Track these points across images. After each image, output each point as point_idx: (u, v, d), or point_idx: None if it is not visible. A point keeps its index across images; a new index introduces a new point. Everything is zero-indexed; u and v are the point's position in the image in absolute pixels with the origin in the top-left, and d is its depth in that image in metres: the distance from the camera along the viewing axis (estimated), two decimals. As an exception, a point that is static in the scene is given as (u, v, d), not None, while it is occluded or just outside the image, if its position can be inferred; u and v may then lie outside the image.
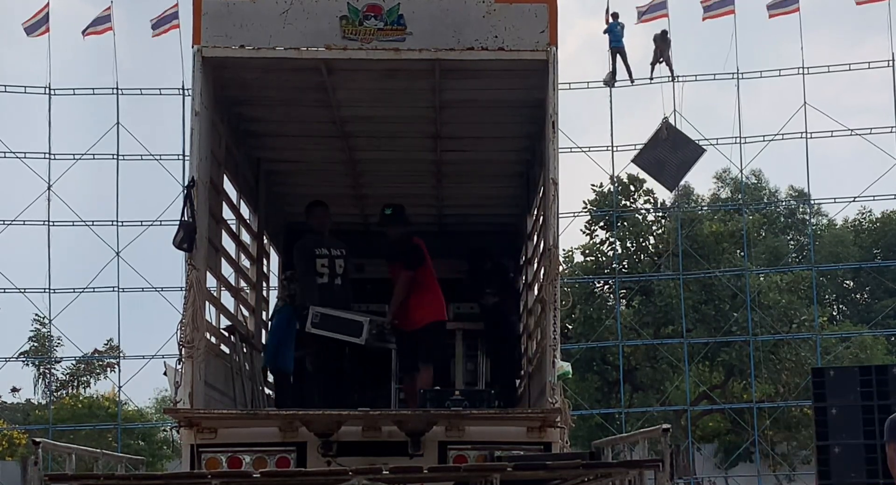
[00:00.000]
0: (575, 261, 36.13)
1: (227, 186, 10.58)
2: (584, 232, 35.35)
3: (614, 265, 33.33)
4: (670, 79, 29.09)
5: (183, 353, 8.68)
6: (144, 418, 43.04)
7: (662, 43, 28.96)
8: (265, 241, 12.30)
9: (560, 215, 9.20)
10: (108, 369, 38.84)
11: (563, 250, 34.59)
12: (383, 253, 10.50)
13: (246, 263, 11.67)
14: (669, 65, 29.06)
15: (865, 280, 49.39)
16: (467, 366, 12.32)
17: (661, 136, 28.43)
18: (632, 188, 35.03)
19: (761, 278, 35.01)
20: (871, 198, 31.51)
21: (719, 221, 35.27)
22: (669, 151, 28.41)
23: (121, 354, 32.05)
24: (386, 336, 10.00)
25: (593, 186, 35.29)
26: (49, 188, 28.55)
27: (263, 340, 12.02)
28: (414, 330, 10.07)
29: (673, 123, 28.57)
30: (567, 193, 36.26)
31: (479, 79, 9.78)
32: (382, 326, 9.85)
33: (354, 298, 10.62)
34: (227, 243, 10.85)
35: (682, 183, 31.83)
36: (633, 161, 28.95)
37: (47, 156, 28.77)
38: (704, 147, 28.77)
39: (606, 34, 29.01)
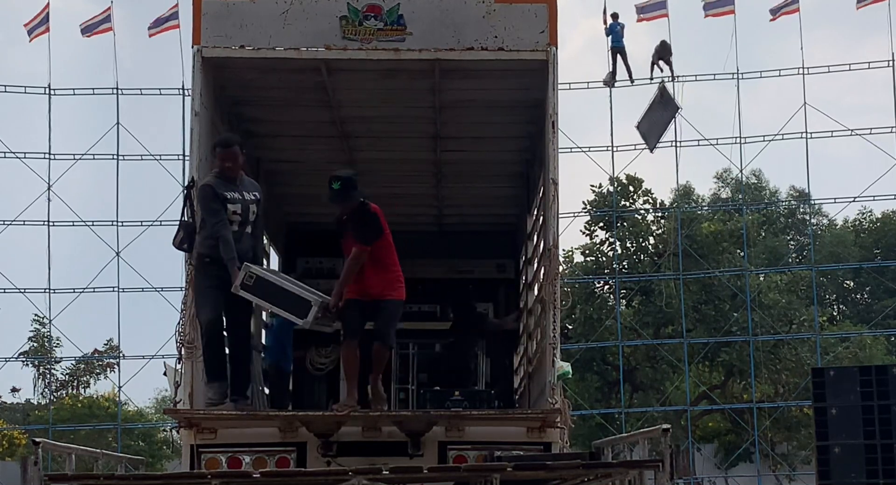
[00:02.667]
0: (575, 261, 36.15)
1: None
2: (583, 232, 35.40)
3: (614, 265, 33.34)
4: (670, 79, 29.11)
5: (183, 353, 8.69)
6: (144, 418, 43.03)
7: (663, 49, 28.96)
8: (265, 241, 12.29)
9: (560, 215, 9.21)
10: (108, 369, 38.85)
11: (563, 250, 34.60)
12: (335, 224, 8.92)
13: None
14: (669, 66, 29.07)
15: (865, 280, 49.34)
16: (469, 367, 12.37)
17: (656, 100, 28.53)
18: (631, 189, 35.03)
19: (761, 278, 35.01)
20: (872, 198, 31.53)
21: (718, 220, 35.27)
22: (660, 113, 28.55)
23: (121, 355, 32.04)
24: (328, 319, 8.67)
25: (592, 186, 35.33)
26: (49, 188, 28.54)
27: (263, 341, 12.03)
28: (371, 300, 8.62)
29: (666, 88, 28.62)
30: (567, 194, 36.26)
31: (479, 79, 9.78)
32: (327, 307, 8.49)
33: None
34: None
35: (683, 182, 31.84)
36: (636, 127, 28.88)
37: (47, 156, 28.77)
38: (680, 107, 28.73)
39: (607, 35, 29.00)
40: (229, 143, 8.81)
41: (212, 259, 8.52)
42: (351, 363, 8.70)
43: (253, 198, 8.76)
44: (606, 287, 35.01)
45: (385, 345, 8.64)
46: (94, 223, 29.26)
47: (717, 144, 29.80)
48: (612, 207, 33.56)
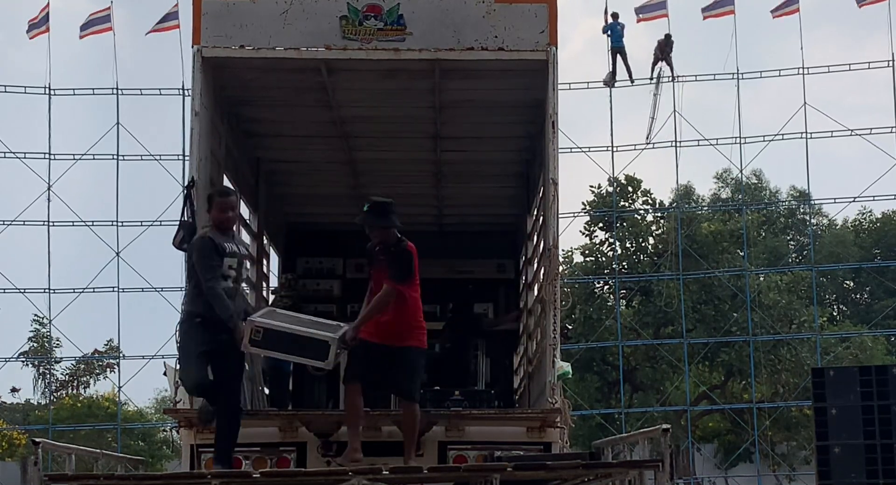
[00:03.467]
0: (575, 261, 36.16)
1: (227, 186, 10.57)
2: (583, 233, 35.41)
3: (614, 266, 33.35)
4: (670, 79, 29.12)
5: (183, 353, 8.67)
6: (144, 418, 43.01)
7: (666, 45, 29.02)
8: (265, 241, 12.30)
9: (560, 215, 9.22)
10: (108, 369, 38.83)
11: (563, 251, 34.61)
12: (366, 252, 8.49)
13: (246, 263, 11.67)
14: (670, 66, 29.11)
15: (865, 280, 49.30)
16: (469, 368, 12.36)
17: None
18: (630, 189, 35.04)
19: (761, 278, 34.99)
20: (872, 198, 31.47)
21: (718, 220, 35.27)
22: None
23: (121, 355, 32.01)
24: (346, 349, 8.08)
25: (591, 187, 35.33)
26: (49, 188, 28.50)
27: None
28: (386, 346, 8.08)
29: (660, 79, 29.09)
30: (567, 194, 36.23)
31: (479, 79, 9.79)
32: (345, 340, 7.93)
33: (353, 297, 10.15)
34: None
35: (683, 182, 31.99)
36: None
37: (47, 156, 28.73)
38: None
39: (606, 34, 29.02)
40: (228, 192, 8.56)
41: (204, 319, 7.86)
42: (354, 411, 8.11)
43: (245, 252, 8.44)
44: (606, 287, 35.02)
45: (411, 400, 8.13)
46: (94, 223, 29.24)
47: (717, 144, 29.80)
48: (611, 208, 33.58)
